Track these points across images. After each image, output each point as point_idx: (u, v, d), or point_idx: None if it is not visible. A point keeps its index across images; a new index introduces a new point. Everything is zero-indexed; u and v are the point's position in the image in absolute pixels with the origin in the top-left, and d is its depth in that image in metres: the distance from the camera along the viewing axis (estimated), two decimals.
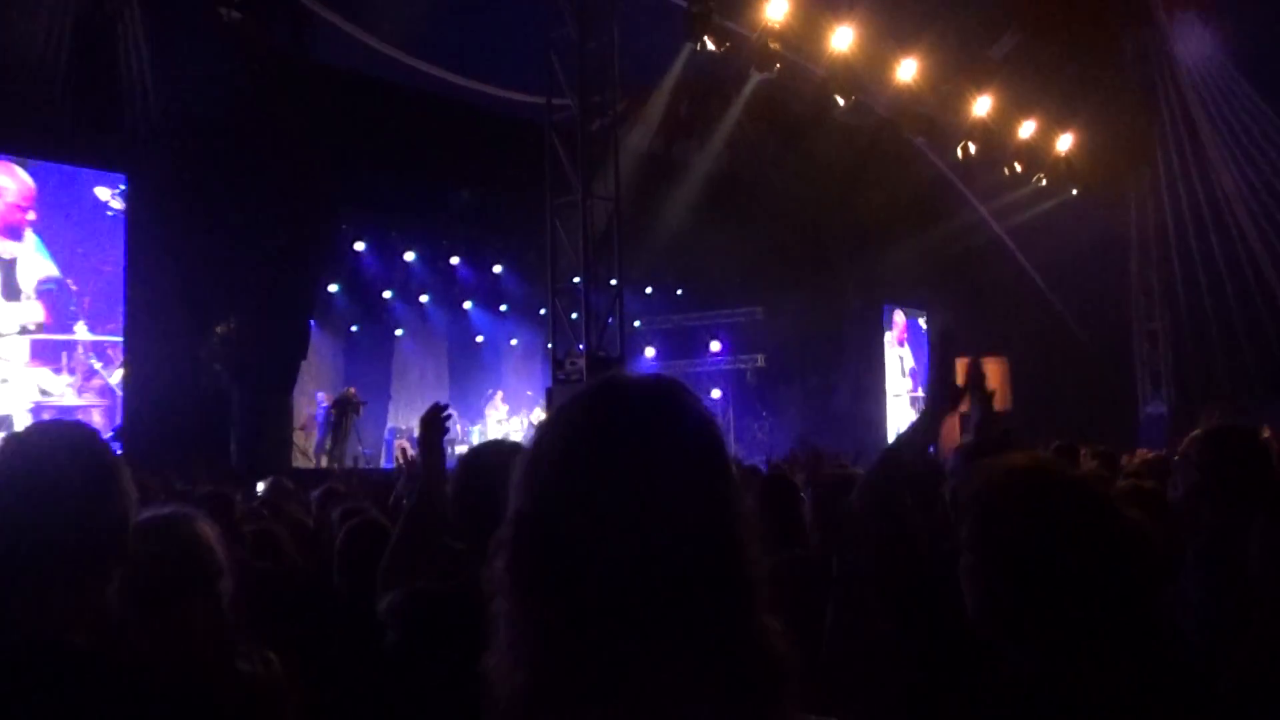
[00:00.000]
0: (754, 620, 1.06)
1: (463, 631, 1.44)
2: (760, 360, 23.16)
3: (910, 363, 24.45)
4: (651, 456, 1.06)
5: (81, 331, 14.52)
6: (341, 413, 18.80)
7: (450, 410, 3.09)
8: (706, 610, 1.03)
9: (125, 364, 14.70)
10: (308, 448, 19.02)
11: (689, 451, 1.08)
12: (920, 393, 24.44)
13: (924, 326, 24.70)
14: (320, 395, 19.77)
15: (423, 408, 3.21)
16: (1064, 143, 20.94)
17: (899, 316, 24.34)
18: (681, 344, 24.14)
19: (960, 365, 2.85)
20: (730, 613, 1.04)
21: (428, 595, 2.59)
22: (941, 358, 2.81)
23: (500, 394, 22.78)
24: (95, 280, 14.71)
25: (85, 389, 14.45)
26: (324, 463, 18.10)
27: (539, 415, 22.30)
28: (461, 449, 21.32)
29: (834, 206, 20.31)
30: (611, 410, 1.10)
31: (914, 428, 2.74)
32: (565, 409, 1.13)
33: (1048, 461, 1.87)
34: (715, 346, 23.83)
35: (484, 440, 5.38)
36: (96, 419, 14.06)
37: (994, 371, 25.12)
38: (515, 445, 2.72)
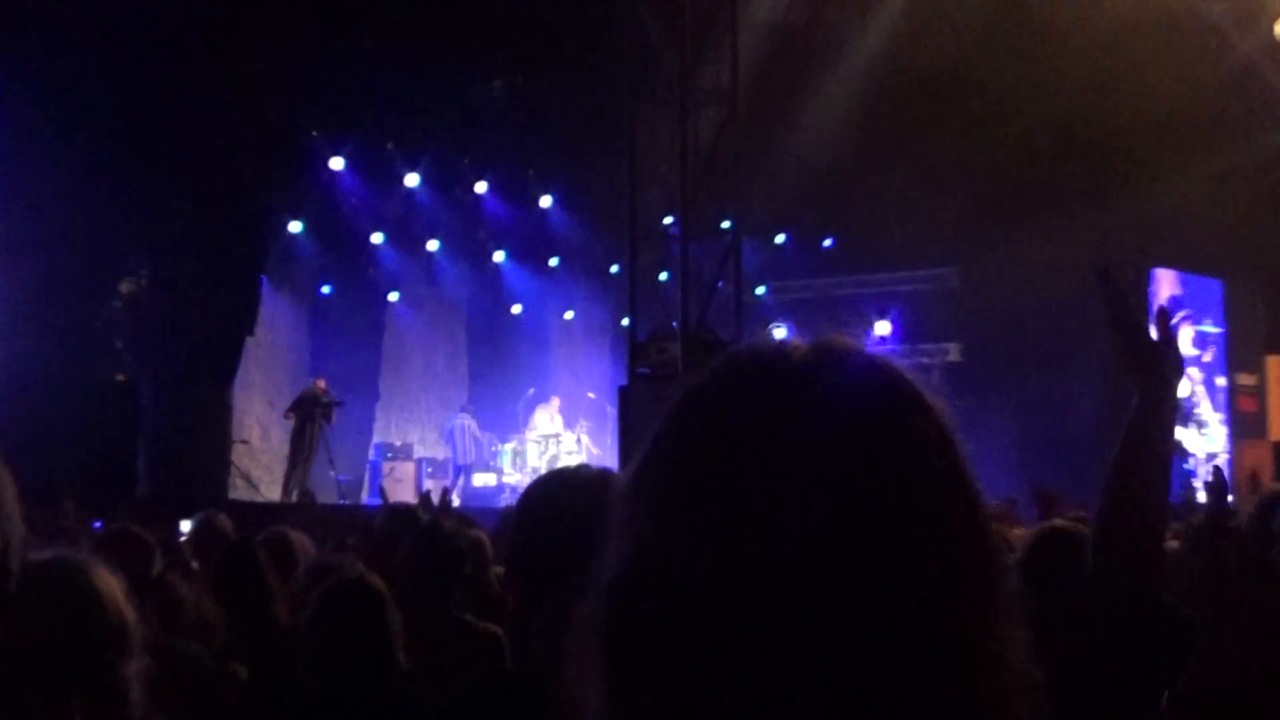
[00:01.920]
0: None
1: None
2: (955, 351, 23.02)
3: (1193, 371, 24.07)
4: (846, 485, 1.03)
5: None
6: (305, 418, 18.92)
7: None
8: None
9: None
10: (251, 470, 19.19)
11: (915, 483, 1.05)
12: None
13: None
14: None
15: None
16: None
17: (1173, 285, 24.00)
18: (829, 322, 24.03)
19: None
20: None
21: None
22: (1119, 308, 2.70)
23: (557, 400, 22.70)
24: None
25: None
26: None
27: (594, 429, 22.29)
28: (485, 478, 21.41)
29: (1075, 118, 20.05)
30: (780, 401, 1.07)
31: (1137, 426, 2.60)
32: (695, 396, 1.11)
33: None
34: (884, 328, 23.75)
35: (545, 472, 5.30)
36: None
37: None
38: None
